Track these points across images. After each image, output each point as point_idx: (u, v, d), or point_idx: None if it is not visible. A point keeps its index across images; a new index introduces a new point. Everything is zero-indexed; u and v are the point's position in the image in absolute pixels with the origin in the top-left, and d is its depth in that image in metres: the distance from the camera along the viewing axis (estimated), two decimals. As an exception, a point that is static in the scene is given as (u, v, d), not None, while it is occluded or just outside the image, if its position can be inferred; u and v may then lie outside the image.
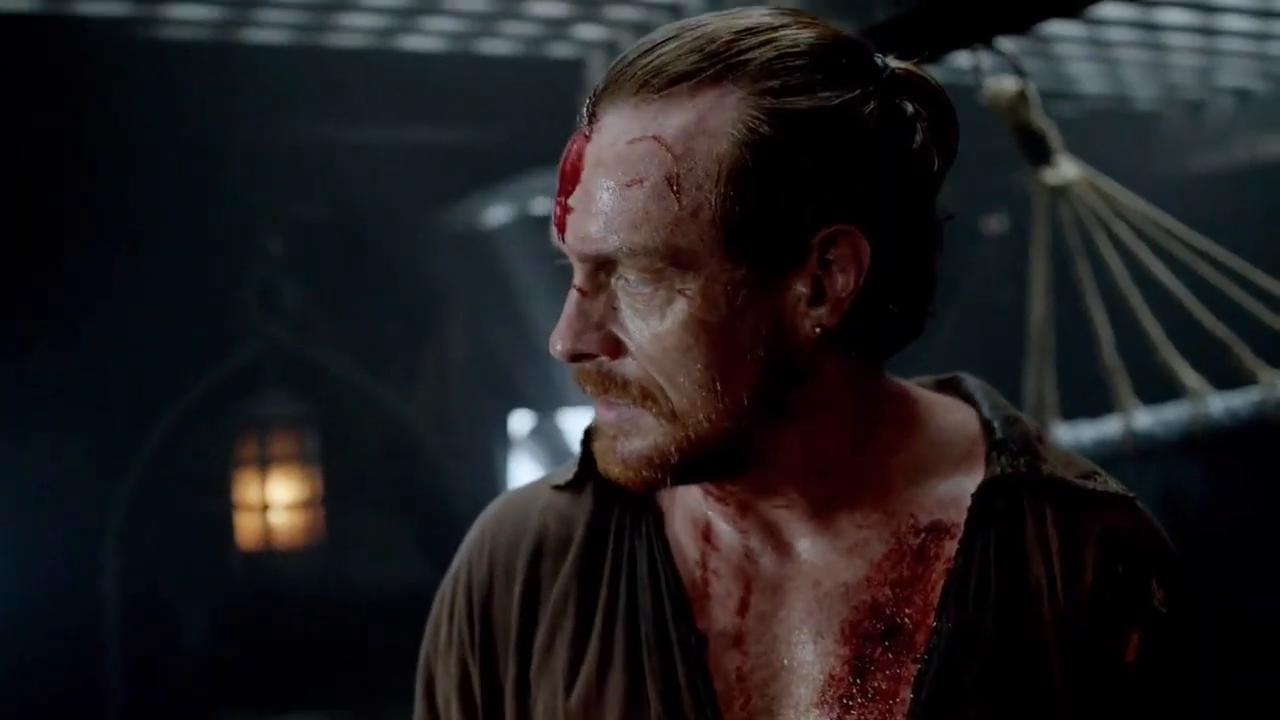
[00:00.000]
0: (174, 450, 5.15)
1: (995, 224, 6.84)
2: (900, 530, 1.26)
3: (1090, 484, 1.29)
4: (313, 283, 5.56)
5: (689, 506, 1.33)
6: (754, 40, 1.16)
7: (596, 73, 4.97)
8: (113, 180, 5.00)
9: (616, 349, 1.21)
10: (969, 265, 6.21)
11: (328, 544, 5.33)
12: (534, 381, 6.54)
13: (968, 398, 1.36)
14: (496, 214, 6.80)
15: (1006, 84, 3.73)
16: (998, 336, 4.97)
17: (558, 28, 4.75)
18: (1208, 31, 4.86)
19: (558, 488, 1.39)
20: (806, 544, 1.28)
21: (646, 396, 1.20)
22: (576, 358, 1.22)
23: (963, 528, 1.26)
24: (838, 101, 1.15)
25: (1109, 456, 3.62)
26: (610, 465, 1.25)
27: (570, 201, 1.20)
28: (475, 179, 5.98)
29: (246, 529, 5.26)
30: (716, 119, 1.14)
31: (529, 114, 5.25)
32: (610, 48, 4.84)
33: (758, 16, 1.19)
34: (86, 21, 4.40)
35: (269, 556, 5.26)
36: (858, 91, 1.16)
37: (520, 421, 6.98)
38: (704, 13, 1.23)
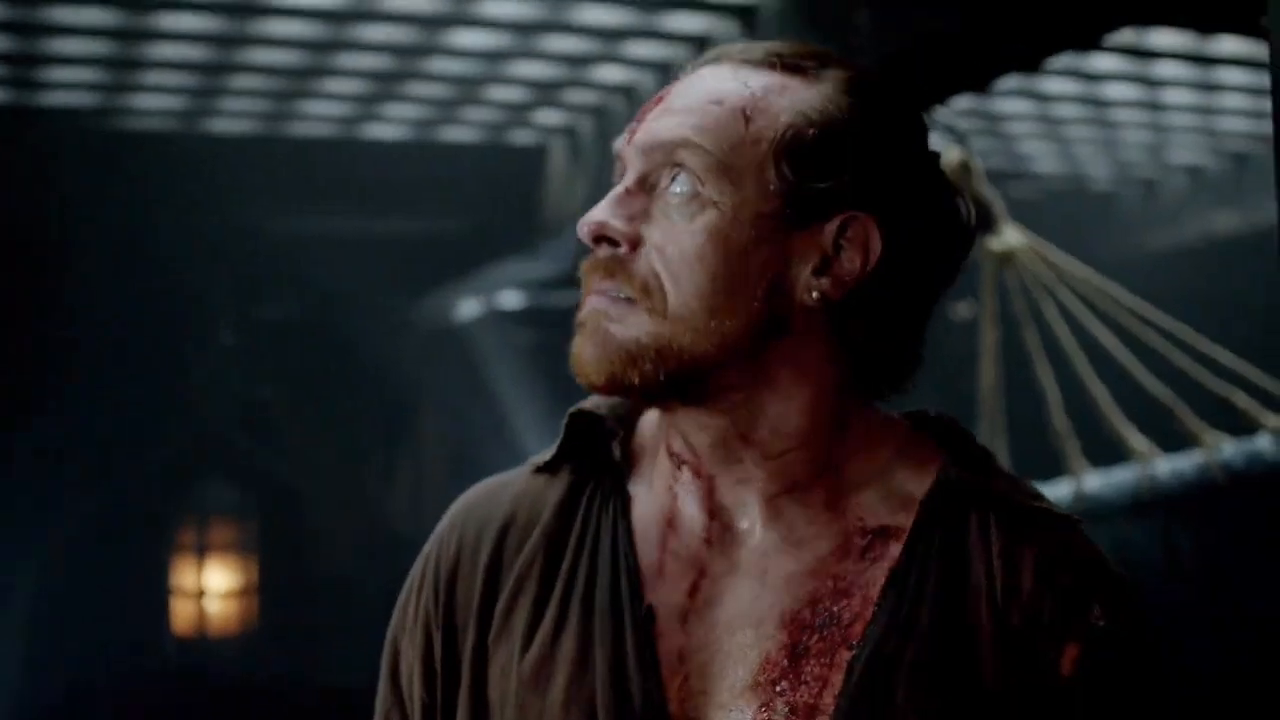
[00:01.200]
0: (111, 533, 5.12)
1: (964, 310, 6.91)
2: (848, 530, 1.30)
3: (1036, 504, 1.32)
4: (270, 374, 5.58)
5: (657, 492, 1.37)
6: (833, 57, 1.31)
7: (558, 159, 5.06)
8: (72, 268, 5.03)
9: (636, 244, 1.26)
10: (938, 351, 6.25)
11: (262, 633, 5.30)
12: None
13: (928, 422, 1.39)
14: (465, 308, 6.84)
15: (950, 153, 3.79)
16: (965, 417, 4.99)
17: (518, 114, 4.83)
18: (1154, 106, 4.95)
19: (536, 471, 1.41)
20: (760, 535, 1.31)
21: (646, 291, 1.25)
22: (600, 237, 1.27)
23: (909, 531, 1.29)
24: (892, 118, 1.28)
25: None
26: (585, 355, 1.27)
27: (647, 119, 1.30)
28: (440, 269, 6.02)
29: (182, 614, 5.22)
30: (795, 92, 1.27)
31: (493, 203, 5.31)
32: (570, 133, 4.92)
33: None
34: (51, 113, 4.48)
35: (203, 642, 5.21)
36: (904, 117, 1.30)
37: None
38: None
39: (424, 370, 6.49)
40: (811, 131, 1.26)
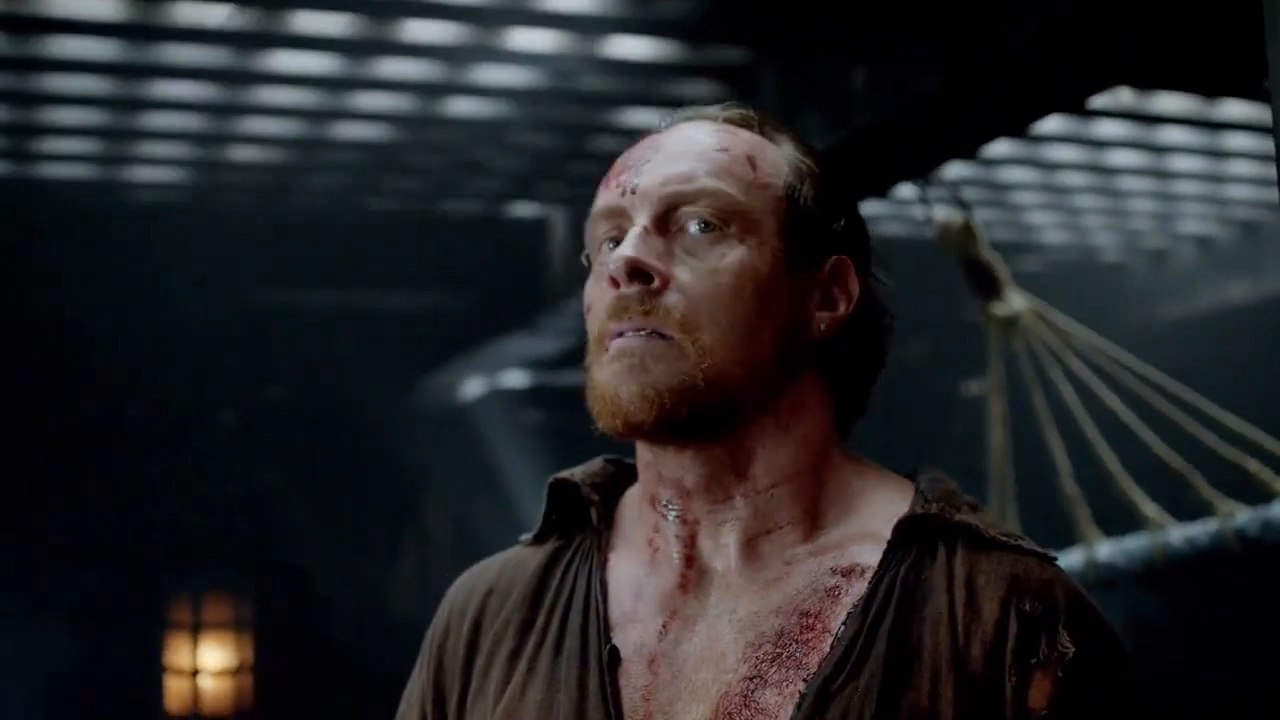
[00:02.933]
0: (108, 611, 5.04)
1: (976, 387, 6.85)
2: (820, 570, 1.32)
3: (1009, 539, 1.32)
4: (271, 452, 5.52)
5: (636, 548, 1.40)
6: (778, 124, 1.41)
7: (558, 231, 5.02)
8: (67, 342, 5.00)
9: (667, 282, 1.28)
10: (951, 426, 6.19)
11: (256, 712, 5.20)
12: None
13: (915, 473, 1.42)
14: (469, 387, 6.79)
15: (953, 218, 3.75)
16: (975, 487, 4.90)
17: (518, 184, 4.79)
18: (1161, 174, 4.91)
19: (528, 543, 1.47)
20: (734, 576, 1.33)
21: (685, 327, 1.27)
22: (636, 272, 1.28)
23: (876, 566, 1.30)
24: (842, 178, 1.40)
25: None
26: (626, 395, 1.28)
27: (645, 167, 1.32)
28: (442, 345, 5.97)
29: (175, 693, 5.12)
30: (779, 148, 1.36)
31: (494, 277, 5.27)
32: (570, 204, 4.89)
33: None
34: (48, 185, 4.46)
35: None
36: (846, 180, 1.43)
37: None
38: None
39: (428, 449, 6.43)
40: (810, 179, 1.35)
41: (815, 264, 1.34)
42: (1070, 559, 3.70)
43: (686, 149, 1.33)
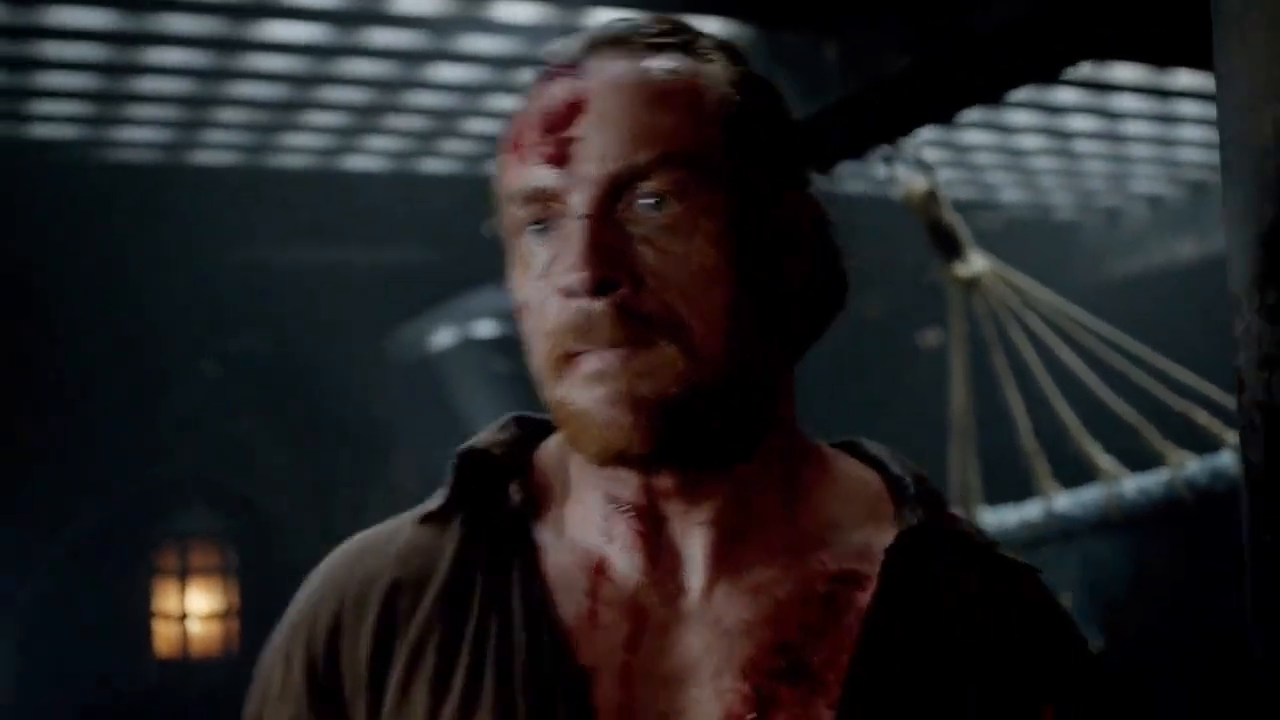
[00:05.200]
0: (95, 557, 5.17)
1: (931, 338, 7.01)
2: (808, 575, 1.19)
3: (996, 548, 1.25)
4: (248, 405, 5.62)
5: (575, 538, 1.20)
6: (700, 31, 1.17)
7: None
8: (54, 299, 5.08)
9: (635, 281, 1.06)
10: (906, 377, 6.34)
11: (244, 655, 5.34)
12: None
13: (869, 458, 1.30)
14: (440, 338, 6.89)
15: (917, 182, 3.89)
16: (933, 446, 5.02)
17: (494, 145, 4.88)
18: (1115, 138, 5.07)
19: (424, 520, 1.22)
20: (709, 581, 1.17)
21: (667, 331, 1.07)
22: (600, 286, 1.05)
23: (875, 579, 1.19)
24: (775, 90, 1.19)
25: (1032, 538, 3.75)
26: (619, 424, 1.06)
27: (576, 131, 1.08)
28: (417, 299, 6.07)
29: (164, 637, 5.26)
30: (708, 65, 1.12)
31: (469, 234, 5.36)
32: (545, 164, 4.98)
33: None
34: (34, 145, 4.53)
35: (185, 664, 5.26)
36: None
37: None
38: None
39: (399, 399, 6.52)
40: (758, 101, 1.14)
41: (777, 204, 1.15)
42: (1029, 511, 3.88)
43: (621, 106, 1.09)
